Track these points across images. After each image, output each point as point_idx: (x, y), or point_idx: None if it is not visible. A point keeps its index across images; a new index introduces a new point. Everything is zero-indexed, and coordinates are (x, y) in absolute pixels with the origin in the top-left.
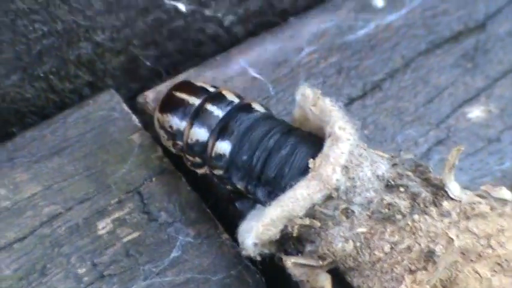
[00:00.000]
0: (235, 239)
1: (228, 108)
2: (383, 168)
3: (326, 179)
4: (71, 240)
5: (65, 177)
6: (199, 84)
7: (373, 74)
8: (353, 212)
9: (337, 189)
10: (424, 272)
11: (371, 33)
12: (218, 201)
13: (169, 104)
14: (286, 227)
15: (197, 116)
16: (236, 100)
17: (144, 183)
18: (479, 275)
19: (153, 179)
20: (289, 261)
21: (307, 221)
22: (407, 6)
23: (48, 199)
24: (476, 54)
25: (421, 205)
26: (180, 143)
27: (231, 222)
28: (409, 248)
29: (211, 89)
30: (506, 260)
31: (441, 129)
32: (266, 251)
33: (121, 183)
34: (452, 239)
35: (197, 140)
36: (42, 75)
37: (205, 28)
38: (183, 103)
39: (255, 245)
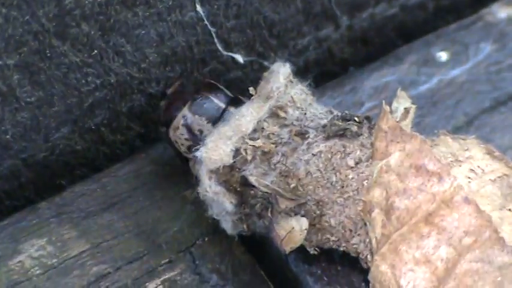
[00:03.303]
0: None
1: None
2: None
3: (267, 93)
4: None
5: (114, 235)
6: (224, 90)
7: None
8: (307, 132)
9: (283, 109)
10: None
11: (433, 88)
12: (272, 263)
13: (204, 107)
14: (238, 151)
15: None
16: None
17: (196, 242)
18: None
19: (206, 238)
20: (253, 178)
21: (259, 142)
22: (472, 60)
23: (97, 258)
24: None
25: None
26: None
27: (285, 285)
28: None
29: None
30: (478, 166)
31: None
32: (222, 190)
33: (172, 242)
34: None
35: None
36: (93, 127)
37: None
38: (217, 108)
39: (210, 176)
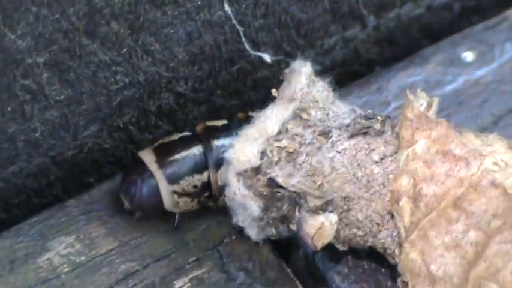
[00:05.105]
0: None
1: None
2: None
3: (290, 95)
4: None
5: (142, 233)
6: (175, 137)
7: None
8: (331, 132)
9: (306, 111)
10: None
11: (459, 88)
12: (299, 261)
13: (178, 170)
14: (264, 153)
15: (212, 157)
16: (224, 121)
17: (223, 241)
18: None
19: (233, 237)
20: (280, 179)
21: (284, 143)
22: (497, 60)
23: (125, 255)
24: None
25: None
26: (207, 193)
27: (312, 283)
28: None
29: (187, 133)
30: (502, 160)
31: None
32: (250, 194)
33: (200, 240)
34: None
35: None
36: (121, 125)
37: None
38: (190, 158)
39: (238, 178)
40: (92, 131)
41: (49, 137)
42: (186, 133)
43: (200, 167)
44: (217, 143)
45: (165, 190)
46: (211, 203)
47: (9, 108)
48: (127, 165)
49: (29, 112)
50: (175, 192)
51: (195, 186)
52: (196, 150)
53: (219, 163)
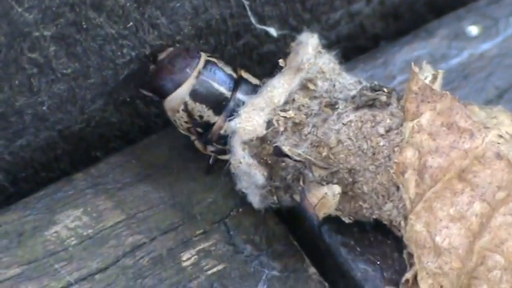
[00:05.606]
0: (322, 273)
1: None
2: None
3: (297, 65)
4: (154, 271)
5: (149, 206)
6: (226, 68)
7: None
8: (337, 103)
9: (313, 82)
10: None
11: (464, 62)
12: (305, 234)
13: (205, 95)
14: (270, 123)
15: (229, 106)
16: (257, 82)
17: (230, 213)
18: None
19: (240, 209)
20: (286, 148)
21: (290, 113)
22: (502, 34)
23: (132, 228)
24: None
25: None
26: (199, 130)
27: (318, 256)
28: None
29: (234, 74)
30: (507, 132)
31: None
32: (254, 162)
33: (207, 213)
34: None
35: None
36: (128, 99)
37: None
38: (219, 95)
39: (243, 147)
40: (99, 105)
41: (56, 110)
42: (233, 73)
43: (219, 109)
44: (239, 96)
45: (181, 94)
46: (198, 142)
47: (16, 82)
48: (183, 48)
49: (36, 85)
50: (185, 103)
51: (200, 117)
52: (228, 94)
53: (231, 114)
